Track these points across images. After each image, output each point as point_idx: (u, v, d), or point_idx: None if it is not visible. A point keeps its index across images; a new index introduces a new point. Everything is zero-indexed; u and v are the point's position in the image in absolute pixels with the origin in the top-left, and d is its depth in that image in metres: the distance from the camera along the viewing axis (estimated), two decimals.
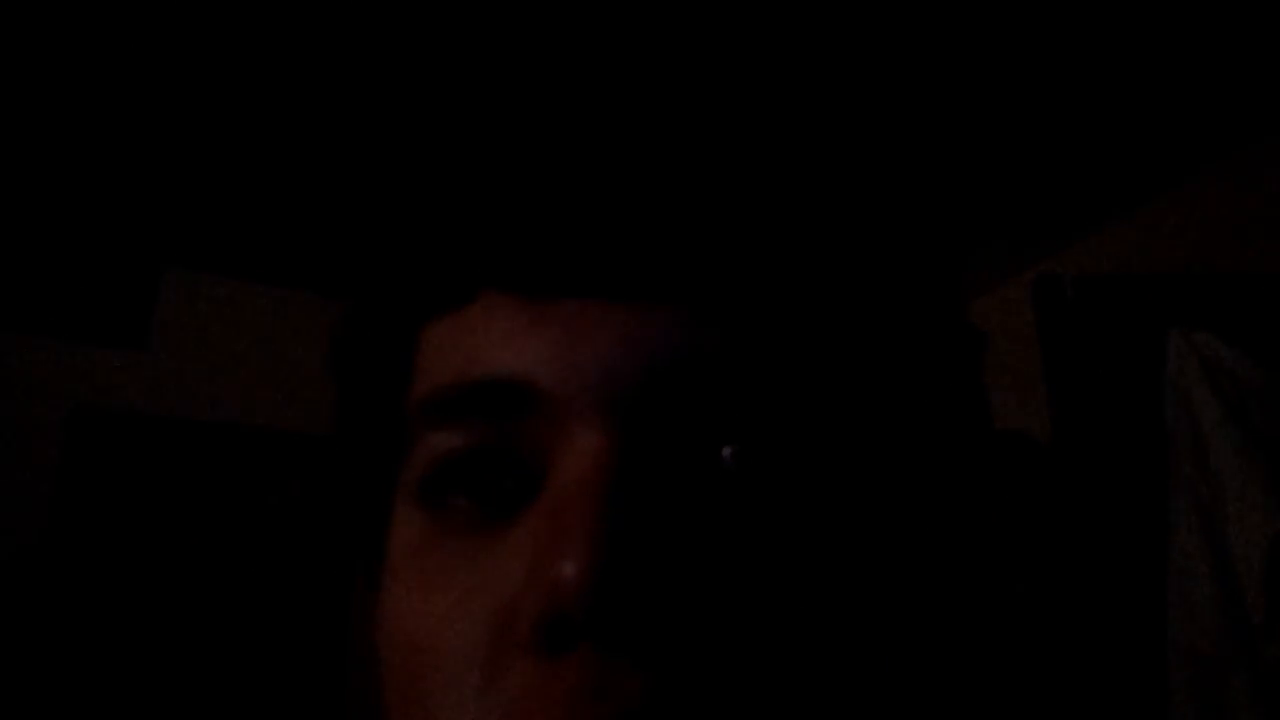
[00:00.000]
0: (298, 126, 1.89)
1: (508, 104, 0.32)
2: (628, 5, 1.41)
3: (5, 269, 2.34)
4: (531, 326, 0.27)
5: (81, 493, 2.28)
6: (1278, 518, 1.24)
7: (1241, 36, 1.59)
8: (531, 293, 0.27)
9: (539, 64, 1.48)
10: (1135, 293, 1.48)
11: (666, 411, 0.26)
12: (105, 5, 1.56)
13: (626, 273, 0.27)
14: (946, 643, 0.30)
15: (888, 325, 0.30)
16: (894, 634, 0.28)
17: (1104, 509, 1.36)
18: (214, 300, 2.56)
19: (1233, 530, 1.27)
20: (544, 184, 0.28)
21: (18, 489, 2.22)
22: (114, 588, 2.24)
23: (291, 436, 2.46)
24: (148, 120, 1.89)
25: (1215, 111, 1.80)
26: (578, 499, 0.24)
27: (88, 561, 2.23)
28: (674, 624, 0.24)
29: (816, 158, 0.31)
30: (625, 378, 0.26)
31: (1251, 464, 1.28)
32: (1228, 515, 1.28)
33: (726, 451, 0.26)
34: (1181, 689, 1.24)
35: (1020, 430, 1.78)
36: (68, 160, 2.05)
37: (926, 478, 0.30)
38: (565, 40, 1.45)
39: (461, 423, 0.28)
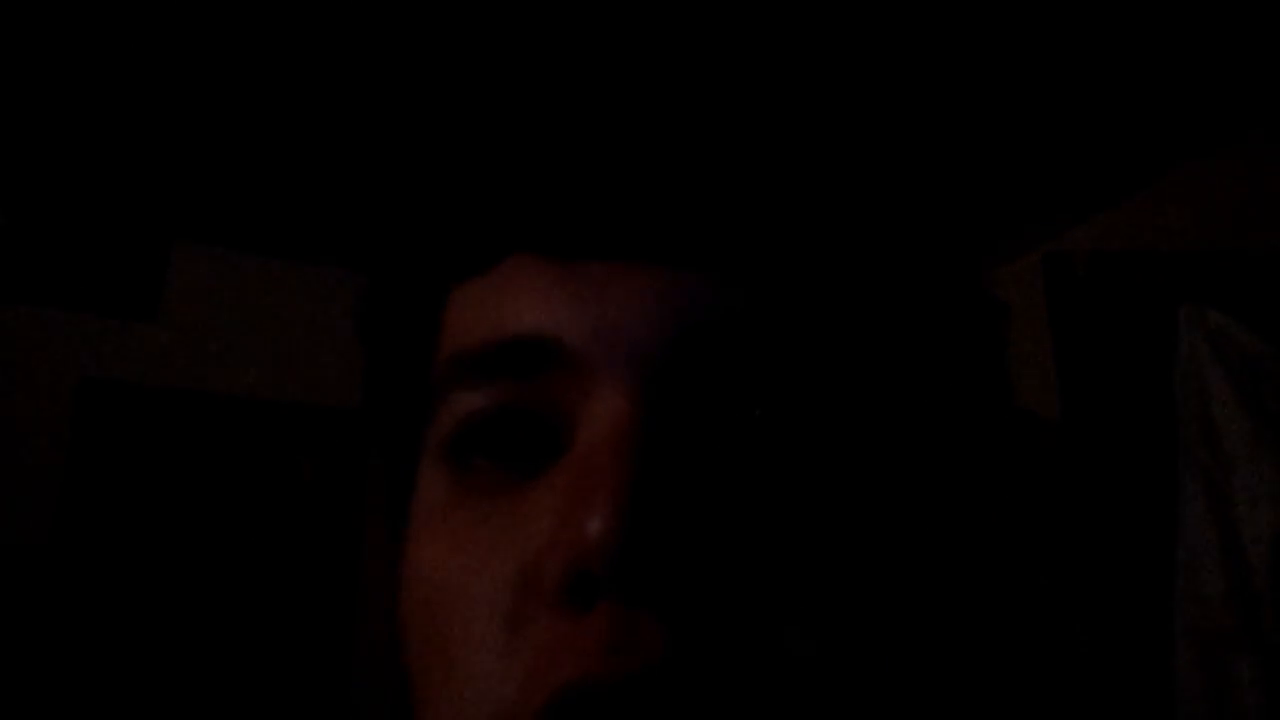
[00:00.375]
0: (314, 97, 1.88)
1: (537, 66, 0.32)
2: None
3: (17, 241, 2.35)
4: (559, 287, 0.27)
5: (92, 463, 2.29)
6: None
7: (1257, 11, 1.57)
8: (560, 254, 0.28)
9: (569, 26, 1.47)
10: (1146, 270, 1.48)
11: (692, 372, 0.26)
12: None
13: (654, 234, 0.27)
14: (962, 596, 0.30)
15: (911, 289, 0.30)
16: (914, 591, 0.28)
17: (1113, 487, 1.36)
18: (223, 273, 2.56)
19: (1242, 511, 1.27)
20: (573, 146, 0.28)
21: (29, 460, 2.23)
22: (125, 557, 2.26)
23: (300, 408, 2.48)
24: (159, 92, 1.88)
25: (1228, 88, 1.78)
26: (604, 457, 0.24)
27: (99, 529, 2.25)
28: (698, 580, 0.24)
29: (843, 124, 0.31)
30: (652, 338, 0.26)
31: (1261, 444, 1.28)
32: (1237, 495, 1.27)
33: (757, 412, 0.26)
34: (1188, 668, 1.24)
35: (1029, 408, 1.78)
36: (79, 134, 2.05)
37: (949, 441, 0.30)
38: (592, 5, 1.44)
39: (488, 382, 0.28)
